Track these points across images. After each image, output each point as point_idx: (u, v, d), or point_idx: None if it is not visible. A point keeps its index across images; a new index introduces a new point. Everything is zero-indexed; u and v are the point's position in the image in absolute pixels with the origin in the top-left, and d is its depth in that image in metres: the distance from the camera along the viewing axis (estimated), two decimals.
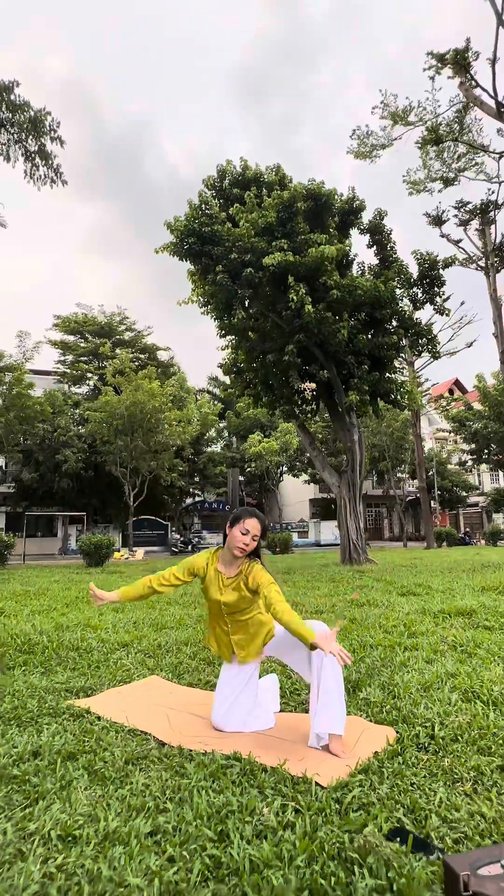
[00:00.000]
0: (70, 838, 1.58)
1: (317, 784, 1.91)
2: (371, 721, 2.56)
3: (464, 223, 18.91)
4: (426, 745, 2.24)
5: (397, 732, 2.37)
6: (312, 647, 2.25)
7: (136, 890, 1.33)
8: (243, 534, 2.54)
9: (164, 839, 1.57)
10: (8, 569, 15.42)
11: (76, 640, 4.46)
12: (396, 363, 14.65)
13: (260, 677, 2.80)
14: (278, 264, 11.53)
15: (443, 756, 2.12)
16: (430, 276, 13.66)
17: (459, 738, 2.28)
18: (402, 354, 14.86)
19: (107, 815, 1.69)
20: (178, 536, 28.28)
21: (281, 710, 2.81)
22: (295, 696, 3.03)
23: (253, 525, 2.56)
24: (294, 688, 3.16)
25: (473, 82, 13.39)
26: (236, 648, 2.59)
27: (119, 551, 23.49)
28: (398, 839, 1.53)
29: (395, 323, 13.58)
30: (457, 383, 49.65)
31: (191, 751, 2.24)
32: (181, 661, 3.80)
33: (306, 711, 2.66)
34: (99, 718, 2.66)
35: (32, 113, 13.32)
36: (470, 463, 34.67)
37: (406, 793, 1.83)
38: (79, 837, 1.58)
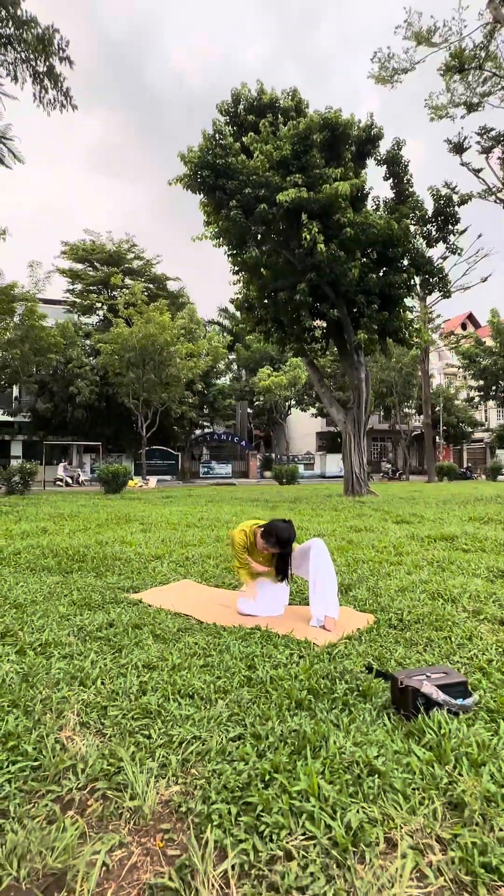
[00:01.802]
0: (150, 667, 2.41)
1: (314, 644, 2.73)
2: (357, 610, 3.38)
3: (486, 151, 18.21)
4: (395, 624, 3.06)
5: (376, 617, 3.19)
6: None
7: (200, 688, 2.15)
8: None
9: (212, 668, 2.39)
10: (33, 495, 16.54)
11: (117, 553, 5.34)
12: (407, 301, 14.80)
13: None
14: (292, 201, 11.56)
15: (406, 631, 2.93)
16: (445, 213, 13.56)
17: (421, 621, 3.09)
18: (412, 293, 14.97)
19: (172, 657, 2.51)
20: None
21: (289, 604, 3.65)
22: (299, 595, 3.86)
23: (267, 542, 3.28)
24: (298, 589, 3.99)
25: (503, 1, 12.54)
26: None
27: (133, 479, 24.67)
28: (367, 670, 2.34)
29: (406, 261, 13.65)
30: (470, 317, 48.83)
31: (223, 625, 3.07)
32: (206, 570, 4.66)
33: (307, 604, 3.49)
34: (149, 606, 3.50)
35: (40, 30, 12.79)
36: (477, 399, 35.02)
37: (376, 649, 2.64)
38: (157, 666, 2.40)
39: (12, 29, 13.26)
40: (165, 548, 5.72)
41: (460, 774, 1.55)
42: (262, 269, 14.22)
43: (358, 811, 1.39)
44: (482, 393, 33.78)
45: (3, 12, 12.82)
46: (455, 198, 13.25)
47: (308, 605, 3.32)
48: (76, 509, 10.33)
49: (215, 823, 1.36)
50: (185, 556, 5.27)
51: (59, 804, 1.48)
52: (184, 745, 1.74)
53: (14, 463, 19.24)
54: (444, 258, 16.52)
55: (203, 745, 1.73)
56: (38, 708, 1.99)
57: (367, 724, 1.85)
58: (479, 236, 23.88)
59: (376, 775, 1.53)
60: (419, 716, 1.86)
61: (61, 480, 26.21)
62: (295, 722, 1.86)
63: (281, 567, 3.39)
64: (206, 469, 36.49)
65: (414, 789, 1.49)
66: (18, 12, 12.83)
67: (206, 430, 39.22)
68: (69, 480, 26.58)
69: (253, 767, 1.58)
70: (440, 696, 1.91)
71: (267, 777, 1.53)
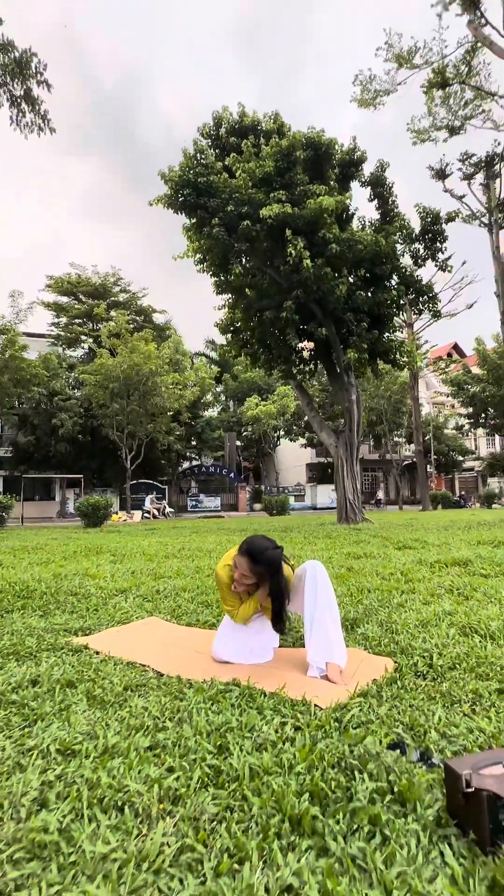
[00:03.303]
0: (69, 752, 1.58)
1: (316, 706, 1.91)
2: (370, 653, 2.57)
3: (468, 177, 18.29)
4: (424, 672, 2.25)
5: (396, 662, 2.38)
6: None
7: (136, 794, 1.33)
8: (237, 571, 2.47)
9: (163, 752, 1.56)
10: (6, 530, 15.52)
11: (74, 587, 4.47)
12: (396, 323, 14.39)
13: None
14: (276, 216, 11.17)
15: (441, 682, 2.12)
16: (433, 231, 13.29)
17: (457, 666, 2.29)
18: (401, 313, 14.60)
19: (106, 733, 1.68)
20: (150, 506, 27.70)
21: (279, 646, 2.82)
22: (293, 633, 3.04)
23: (249, 569, 2.42)
24: (291, 626, 3.17)
25: (483, 20, 12.63)
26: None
27: (116, 514, 23.67)
28: (398, 751, 1.53)
29: (395, 279, 13.28)
30: (455, 348, 49.19)
31: (189, 679, 2.24)
32: (179, 604, 3.82)
33: (304, 646, 2.67)
34: (97, 653, 2.66)
35: (17, 53, 12.59)
36: (467, 427, 34.69)
37: (405, 713, 1.83)
38: (78, 752, 1.57)
39: None
40: (134, 580, 4.86)
41: None
42: (246, 289, 13.79)
43: None
44: (472, 420, 33.47)
45: None
46: (442, 215, 12.98)
47: (303, 646, 2.51)
48: (45, 542, 9.39)
49: None
50: (155, 589, 4.42)
51: None
52: None
53: None
54: (433, 283, 16.26)
55: None
56: None
57: (416, 867, 1.05)
58: (464, 263, 23.96)
59: None
60: None
61: (148, 513, 25.90)
62: (290, 868, 1.05)
63: (275, 609, 2.48)
64: (194, 502, 35.44)
65: None
66: None
67: (194, 463, 38.35)
68: (155, 513, 26.27)
69: None
70: None
71: None
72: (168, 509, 28.20)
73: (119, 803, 1.30)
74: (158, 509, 27.00)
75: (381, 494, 38.04)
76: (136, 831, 1.20)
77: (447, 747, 1.58)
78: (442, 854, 1.10)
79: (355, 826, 1.19)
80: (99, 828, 1.21)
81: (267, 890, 1.00)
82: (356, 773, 1.39)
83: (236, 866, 1.07)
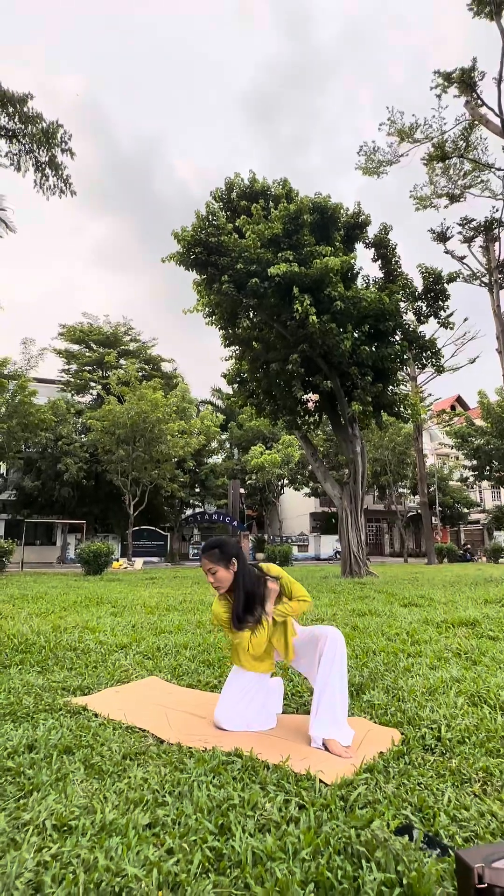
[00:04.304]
0: (65, 828, 1.53)
1: (320, 781, 1.85)
2: (376, 722, 2.49)
3: (468, 240, 19.06)
4: (433, 746, 2.17)
5: (402, 734, 2.31)
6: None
7: (134, 879, 1.27)
8: (208, 575, 2.51)
9: (162, 831, 1.51)
10: (6, 575, 15.33)
11: (74, 642, 4.39)
12: (399, 376, 14.67)
13: None
14: (284, 275, 11.62)
15: (450, 757, 2.06)
16: (435, 290, 13.74)
17: (467, 740, 2.21)
18: (405, 368, 14.90)
19: (103, 807, 1.63)
20: None
21: (283, 712, 2.74)
22: (296, 699, 2.96)
23: (205, 564, 2.48)
24: (295, 690, 3.09)
25: (479, 101, 13.60)
26: (279, 647, 2.53)
27: (118, 560, 23.37)
28: (406, 836, 1.47)
29: (399, 335, 13.63)
30: (459, 400, 49.72)
31: (190, 748, 2.18)
32: (180, 663, 3.73)
33: (308, 713, 2.60)
34: (96, 715, 2.59)
35: (45, 125, 13.51)
36: (471, 479, 34.54)
37: (413, 792, 1.76)
38: (74, 828, 1.52)
39: (18, 124, 14.05)
40: (134, 635, 4.76)
41: None
42: (253, 342, 14.15)
43: None
44: (476, 473, 33.38)
45: (11, 108, 13.63)
46: (444, 276, 13.46)
47: (306, 711, 2.44)
48: (45, 590, 9.26)
49: None
50: (156, 645, 4.33)
51: None
52: None
53: None
54: (436, 338, 16.66)
55: None
56: None
57: None
58: (465, 320, 24.54)
59: None
60: None
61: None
62: None
63: (246, 605, 2.44)
64: (196, 550, 35.01)
65: None
66: (25, 109, 13.65)
67: (197, 510, 38.12)
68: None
69: None
70: None
71: None
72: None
73: (117, 889, 1.25)
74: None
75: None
76: None
77: (457, 833, 1.52)
78: None
79: None
80: None
81: None
82: (363, 860, 1.34)
83: None
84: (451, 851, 1.39)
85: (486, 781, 1.86)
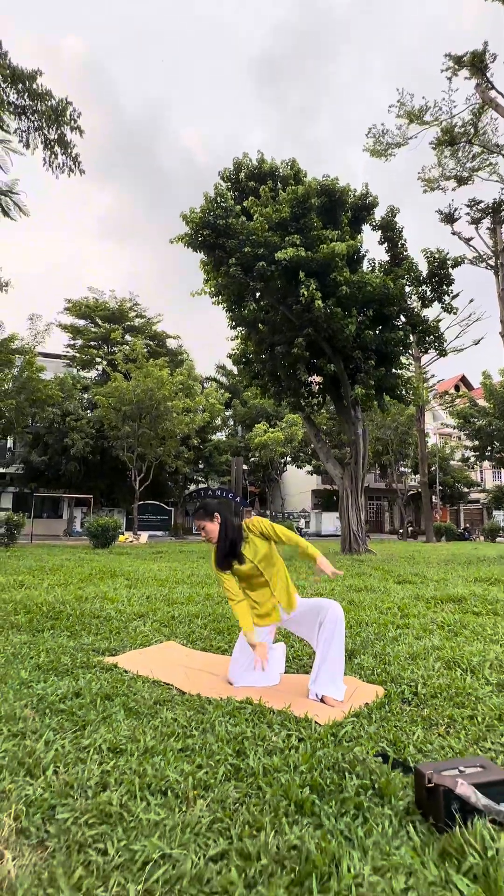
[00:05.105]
0: (118, 751, 1.97)
1: (316, 723, 2.29)
2: (364, 681, 2.94)
3: (475, 221, 19.02)
4: (410, 699, 2.62)
5: (385, 690, 2.75)
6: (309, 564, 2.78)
7: (175, 783, 1.72)
8: (201, 532, 3.06)
9: (193, 754, 1.95)
10: (18, 547, 15.91)
11: (96, 610, 4.86)
12: (403, 359, 14.91)
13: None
14: (290, 259, 11.80)
15: (423, 708, 2.50)
16: (439, 275, 13.88)
17: (439, 695, 2.66)
18: (408, 350, 15.13)
19: (144, 738, 2.07)
20: None
21: (286, 672, 3.20)
22: (297, 661, 3.41)
23: (196, 523, 3.07)
24: (296, 654, 3.54)
25: (489, 84, 13.52)
26: (282, 599, 2.97)
27: (123, 534, 23.99)
28: (381, 759, 1.91)
29: (402, 320, 13.83)
30: (463, 380, 49.69)
31: (208, 697, 2.62)
32: (193, 630, 4.19)
33: (307, 674, 3.05)
34: (126, 672, 3.05)
35: (54, 102, 13.50)
36: (472, 459, 34.92)
37: (390, 731, 2.21)
38: (124, 750, 1.96)
39: (27, 100, 14.03)
40: (150, 605, 5.24)
41: None
42: (259, 325, 14.38)
43: None
44: (477, 453, 33.72)
45: (20, 85, 13.61)
46: (449, 261, 13.59)
47: (305, 672, 2.89)
48: (60, 562, 9.78)
49: None
50: (170, 614, 4.80)
51: None
52: (148, 867, 1.31)
53: (1, 515, 18.69)
54: (439, 320, 16.81)
55: (174, 868, 1.30)
56: None
57: (387, 839, 1.43)
58: (471, 301, 24.58)
59: None
60: (455, 827, 1.44)
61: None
62: (295, 834, 1.43)
63: (224, 547, 2.95)
64: None
65: None
66: (34, 86, 13.62)
67: (201, 486, 38.68)
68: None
69: None
70: (481, 800, 1.50)
71: None
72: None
73: (163, 788, 1.69)
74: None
75: (410, 527, 37.55)
76: (178, 808, 1.59)
77: (421, 759, 1.96)
78: (408, 832, 1.48)
79: (344, 810, 1.57)
80: (150, 805, 1.60)
81: (278, 847, 1.38)
82: (347, 773, 1.78)
83: (255, 833, 1.46)
84: (413, 768, 1.82)
85: (450, 725, 2.30)
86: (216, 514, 3.01)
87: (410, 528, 36.46)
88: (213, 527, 2.99)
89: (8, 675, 2.89)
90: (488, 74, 13.23)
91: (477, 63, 12.94)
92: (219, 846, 1.39)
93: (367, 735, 2.16)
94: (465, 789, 1.50)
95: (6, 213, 14.48)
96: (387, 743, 2.09)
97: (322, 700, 2.63)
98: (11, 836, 1.45)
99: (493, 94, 13.60)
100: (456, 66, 13.32)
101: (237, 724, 2.25)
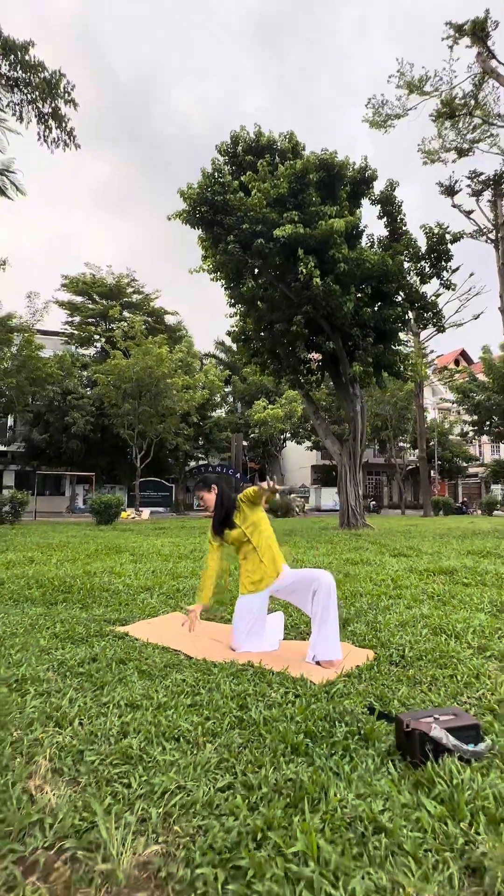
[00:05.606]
0: (134, 706, 2.22)
1: (311, 682, 2.54)
2: (356, 646, 3.19)
3: (476, 193, 18.81)
4: (397, 661, 2.87)
5: (376, 654, 3.00)
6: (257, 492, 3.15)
7: (187, 731, 1.96)
8: (200, 502, 3.48)
9: (201, 708, 2.20)
10: (23, 525, 16.23)
11: (104, 584, 5.13)
12: (402, 334, 14.97)
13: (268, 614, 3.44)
14: (289, 236, 11.78)
15: (409, 669, 2.75)
16: (438, 251, 13.84)
17: (424, 657, 2.91)
18: (407, 326, 15.18)
19: (157, 695, 2.32)
20: None
21: (284, 639, 3.45)
22: (294, 629, 3.67)
23: (196, 495, 3.53)
24: (293, 623, 3.80)
25: (491, 54, 13.22)
26: (276, 559, 3.25)
27: (125, 511, 24.35)
28: (368, 711, 2.15)
29: (401, 296, 13.86)
30: (463, 354, 49.55)
31: (214, 661, 2.87)
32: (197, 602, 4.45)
33: (304, 640, 3.30)
34: (136, 640, 3.30)
35: (47, 74, 13.25)
36: (471, 434, 35.14)
37: (378, 689, 2.45)
38: (140, 706, 2.21)
39: (20, 72, 13.76)
40: (155, 579, 5.51)
41: (477, 833, 1.37)
42: (258, 302, 14.40)
43: (363, 877, 1.21)
44: (476, 428, 33.94)
45: (13, 56, 13.33)
46: (448, 236, 13.54)
47: (302, 640, 3.13)
48: (66, 539, 10.08)
49: (199, 892, 1.18)
50: (175, 587, 5.06)
51: (21, 867, 1.29)
52: (166, 795, 1.55)
53: (5, 493, 18.98)
54: (438, 295, 16.79)
55: (188, 796, 1.55)
56: (6, 752, 1.80)
57: (370, 773, 1.67)
58: (471, 275, 24.53)
59: (383, 834, 1.35)
60: (428, 763, 1.68)
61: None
62: (290, 770, 1.68)
63: (220, 515, 3.33)
64: (199, 501, 36.05)
65: (426, 851, 1.31)
66: (27, 57, 13.35)
67: (201, 462, 38.99)
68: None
69: (243, 823, 1.39)
70: (450, 740, 1.74)
71: (259, 835, 1.35)
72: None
73: (176, 736, 1.94)
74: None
75: (372, 502, 38.08)
76: (190, 751, 1.83)
77: (404, 711, 2.20)
78: (388, 768, 1.73)
79: (334, 751, 1.82)
80: (165, 749, 1.84)
81: (276, 780, 1.62)
82: (337, 722, 2.03)
83: (256, 769, 1.70)
84: (395, 716, 2.07)
85: (432, 684, 2.55)
86: (213, 485, 3.40)
87: (373, 504, 36.85)
88: (211, 497, 3.39)
89: (28, 643, 3.15)
90: (489, 43, 12.95)
91: (478, 31, 12.63)
92: (226, 780, 1.64)
93: (356, 692, 2.41)
94: (438, 732, 1.74)
95: (3, 193, 14.36)
96: (374, 698, 2.34)
97: (318, 664, 2.88)
98: (48, 774, 1.69)
99: (493, 63, 13.32)
100: (457, 35, 13.00)
101: (240, 683, 2.50)
